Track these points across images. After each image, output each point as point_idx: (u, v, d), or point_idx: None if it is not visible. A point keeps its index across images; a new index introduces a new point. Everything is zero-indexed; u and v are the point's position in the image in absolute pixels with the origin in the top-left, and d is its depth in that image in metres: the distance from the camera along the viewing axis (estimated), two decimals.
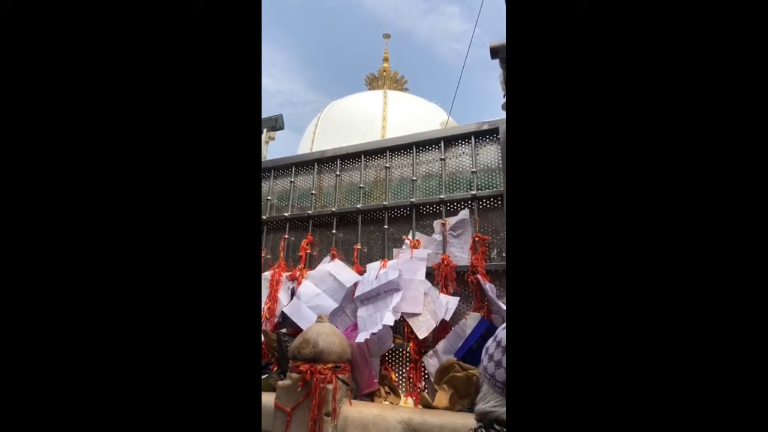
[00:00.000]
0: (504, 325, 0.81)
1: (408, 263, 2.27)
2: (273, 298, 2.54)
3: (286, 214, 2.83)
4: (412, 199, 2.48)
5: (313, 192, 2.83)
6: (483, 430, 0.73)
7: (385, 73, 13.79)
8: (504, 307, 1.99)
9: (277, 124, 3.72)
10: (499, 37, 2.05)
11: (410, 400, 2.09)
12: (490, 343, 0.81)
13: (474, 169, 2.39)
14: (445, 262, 2.22)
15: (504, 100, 2.28)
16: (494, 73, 2.31)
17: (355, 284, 2.37)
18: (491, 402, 0.74)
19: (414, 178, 2.55)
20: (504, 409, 0.71)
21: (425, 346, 2.15)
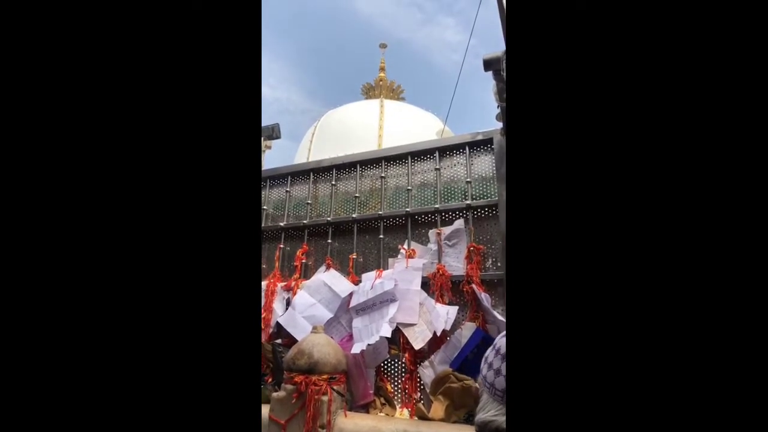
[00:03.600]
0: (503, 333, 0.81)
1: (403, 273, 2.27)
2: (268, 308, 2.53)
3: (281, 224, 2.83)
4: (408, 209, 2.49)
5: (309, 201, 2.84)
6: None
7: (381, 83, 13.88)
8: (499, 317, 1.99)
9: (273, 132, 3.73)
10: (495, 47, 2.08)
11: (406, 412, 2.07)
12: (489, 352, 0.80)
13: (469, 179, 2.41)
14: (441, 272, 2.22)
15: (498, 110, 2.30)
16: (490, 83, 2.33)
17: (351, 294, 2.36)
18: (491, 411, 0.72)
19: (409, 187, 2.56)
20: (504, 418, 0.70)
21: (421, 356, 2.14)
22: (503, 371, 0.72)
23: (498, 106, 2.21)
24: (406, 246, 2.41)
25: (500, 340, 0.78)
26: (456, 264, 2.25)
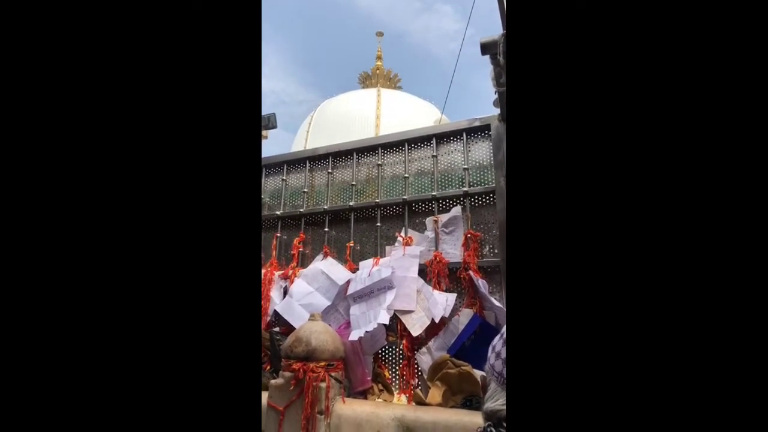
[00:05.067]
0: None
1: (401, 260, 2.27)
2: (265, 297, 2.53)
3: (278, 213, 2.82)
4: (405, 197, 2.48)
5: (305, 190, 2.82)
6: (492, 428, 0.72)
7: (378, 72, 13.79)
8: (496, 303, 1.99)
9: (269, 122, 3.70)
10: (492, 34, 2.05)
11: (403, 397, 2.09)
12: (497, 341, 0.79)
13: (466, 166, 2.39)
14: (438, 259, 2.22)
15: (495, 96, 2.28)
16: (487, 70, 2.30)
17: (348, 282, 2.36)
18: (500, 400, 0.72)
19: (406, 175, 2.54)
20: None
21: (418, 343, 2.15)
22: None
23: (495, 92, 2.19)
24: (403, 234, 2.40)
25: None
26: (453, 251, 2.25)
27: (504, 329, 0.78)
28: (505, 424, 0.69)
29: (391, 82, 13.85)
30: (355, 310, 2.28)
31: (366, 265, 2.38)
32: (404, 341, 2.15)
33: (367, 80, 13.96)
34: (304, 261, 2.65)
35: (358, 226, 2.60)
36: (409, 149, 2.61)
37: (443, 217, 2.33)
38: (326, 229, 2.65)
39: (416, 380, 2.11)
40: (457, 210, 2.31)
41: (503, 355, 0.74)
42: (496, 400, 0.72)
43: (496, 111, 2.34)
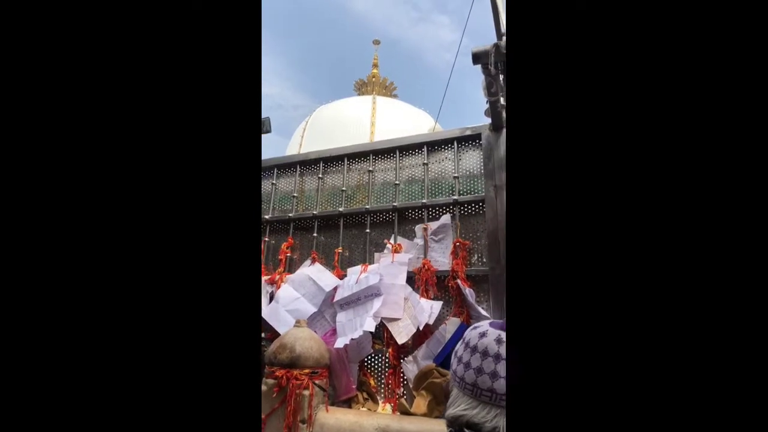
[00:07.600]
0: (472, 326, 0.80)
1: (389, 268, 2.26)
2: None
3: (266, 217, 2.79)
4: (395, 204, 2.47)
5: (295, 195, 2.80)
6: None
7: (374, 79, 13.88)
8: (483, 312, 1.99)
9: (264, 127, 3.69)
10: (483, 44, 2.06)
11: (388, 407, 2.06)
12: (459, 346, 0.80)
13: (456, 175, 2.40)
14: (426, 267, 2.21)
15: (487, 106, 2.29)
16: (480, 79, 2.31)
17: (335, 288, 2.34)
18: (461, 406, 0.72)
19: (397, 182, 2.54)
20: (474, 411, 0.70)
21: (404, 351, 2.13)
22: (473, 365, 0.72)
23: (486, 101, 2.20)
24: (392, 241, 2.39)
25: (469, 333, 0.78)
26: (442, 259, 2.24)
27: (466, 334, 0.78)
28: (466, 430, 0.68)
29: (387, 89, 13.94)
30: (341, 317, 2.25)
31: (354, 271, 2.36)
32: (390, 349, 2.13)
33: (362, 87, 14.04)
34: (292, 266, 2.62)
35: (348, 232, 2.58)
36: (400, 156, 2.61)
37: (433, 225, 2.32)
38: (315, 235, 2.63)
39: (401, 389, 2.09)
40: (446, 218, 2.31)
41: (464, 359, 0.74)
42: (458, 406, 0.72)
43: (488, 120, 2.35)
